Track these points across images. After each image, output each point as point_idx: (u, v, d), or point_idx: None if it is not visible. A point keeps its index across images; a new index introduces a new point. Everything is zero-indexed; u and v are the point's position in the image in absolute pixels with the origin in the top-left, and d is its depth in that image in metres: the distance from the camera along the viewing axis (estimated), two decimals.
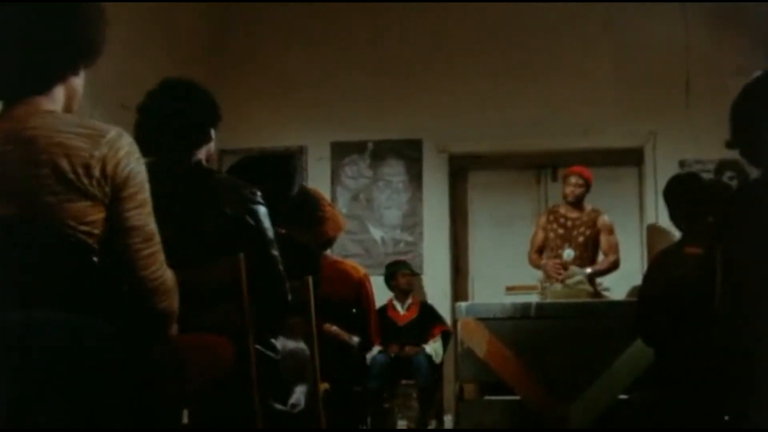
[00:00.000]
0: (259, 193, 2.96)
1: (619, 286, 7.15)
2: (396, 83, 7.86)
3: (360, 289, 4.45)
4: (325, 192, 7.13)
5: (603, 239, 6.83)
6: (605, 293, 5.99)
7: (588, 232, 6.79)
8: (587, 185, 6.86)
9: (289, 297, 2.98)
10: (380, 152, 7.89)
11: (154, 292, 2.23)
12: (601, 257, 6.86)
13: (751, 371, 2.66)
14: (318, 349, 3.58)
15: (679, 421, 3.83)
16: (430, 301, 7.55)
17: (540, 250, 7.01)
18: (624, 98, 7.59)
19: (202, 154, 3.07)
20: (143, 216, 2.18)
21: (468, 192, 8.11)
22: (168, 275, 2.28)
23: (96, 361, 2.01)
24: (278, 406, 2.99)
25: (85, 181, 2.04)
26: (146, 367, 2.26)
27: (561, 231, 6.83)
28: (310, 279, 3.53)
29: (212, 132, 3.10)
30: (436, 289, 7.73)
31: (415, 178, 7.85)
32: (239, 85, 7.87)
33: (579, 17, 7.70)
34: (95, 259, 2.10)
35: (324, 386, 3.90)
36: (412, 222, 7.83)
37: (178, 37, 7.08)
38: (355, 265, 4.57)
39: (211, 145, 3.12)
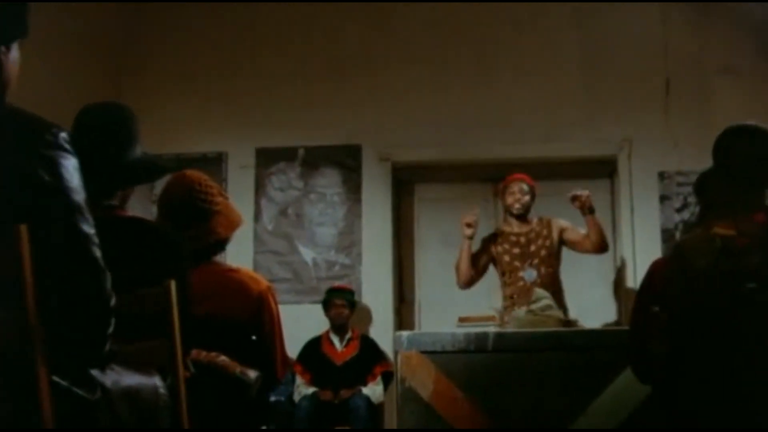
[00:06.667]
0: (63, 135, 1.98)
1: (588, 314, 6.42)
2: (332, 81, 7.31)
3: (261, 308, 3.35)
4: (247, 206, 6.90)
5: (571, 235, 6.08)
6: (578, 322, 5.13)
7: (548, 243, 6.03)
8: (532, 194, 6.13)
9: (113, 301, 2.03)
10: (313, 160, 7.29)
11: None
12: None
13: None
14: (193, 386, 2.64)
15: None
16: (368, 333, 6.96)
17: (481, 271, 6.19)
18: (594, 101, 7.10)
19: None
20: None
21: (414, 207, 7.56)
22: None
23: None
24: None
25: None
26: None
27: (516, 250, 6.04)
28: (173, 283, 2.49)
29: (13, 46, 2.07)
30: (377, 320, 7.08)
31: (353, 190, 7.26)
32: (153, 85, 7.37)
33: (543, 10, 7.25)
34: None
35: None
36: (349, 241, 7.19)
37: (90, 39, 6.81)
38: (255, 275, 3.50)
39: (10, 66, 2.05)
